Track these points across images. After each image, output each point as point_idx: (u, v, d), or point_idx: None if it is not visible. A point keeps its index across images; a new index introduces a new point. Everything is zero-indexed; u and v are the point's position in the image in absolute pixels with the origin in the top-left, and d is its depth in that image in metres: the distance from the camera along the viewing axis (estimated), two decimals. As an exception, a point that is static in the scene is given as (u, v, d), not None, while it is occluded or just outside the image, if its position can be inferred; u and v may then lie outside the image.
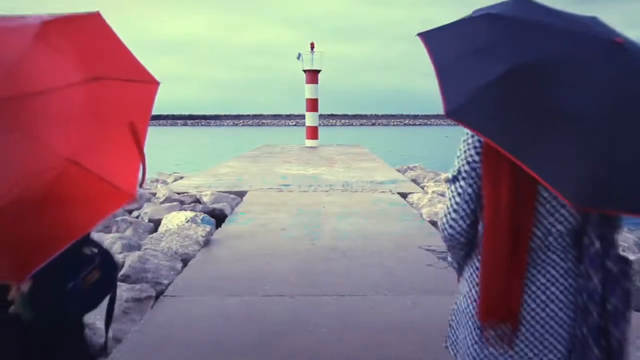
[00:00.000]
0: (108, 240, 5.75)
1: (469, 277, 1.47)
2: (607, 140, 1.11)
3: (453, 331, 1.60)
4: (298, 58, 25.05)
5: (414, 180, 11.98)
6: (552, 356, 1.38)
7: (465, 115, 1.17)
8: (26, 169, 1.10)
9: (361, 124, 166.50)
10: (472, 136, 1.37)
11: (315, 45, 24.99)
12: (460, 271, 1.56)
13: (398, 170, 14.31)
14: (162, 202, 8.09)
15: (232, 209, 8.03)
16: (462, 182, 1.38)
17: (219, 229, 6.59)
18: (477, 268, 1.43)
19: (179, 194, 8.79)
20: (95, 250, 1.47)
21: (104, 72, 1.28)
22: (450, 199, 1.42)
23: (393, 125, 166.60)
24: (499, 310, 1.35)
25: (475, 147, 1.35)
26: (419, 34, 1.33)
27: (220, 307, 3.90)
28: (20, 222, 1.08)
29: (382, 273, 4.69)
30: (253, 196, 9.19)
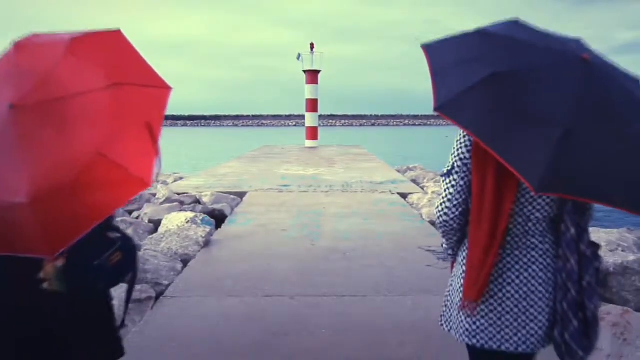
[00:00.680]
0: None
1: (462, 261, 1.69)
2: (567, 138, 1.31)
3: (447, 309, 1.78)
4: (298, 58, 25.07)
5: (414, 181, 11.99)
6: (533, 325, 1.58)
7: (450, 111, 1.39)
8: (60, 160, 1.33)
9: (361, 125, 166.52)
10: (464, 136, 1.60)
11: (315, 46, 25.01)
12: (454, 257, 1.78)
13: (398, 171, 14.33)
14: (162, 203, 8.09)
15: (232, 210, 8.03)
16: (455, 176, 1.61)
17: (219, 229, 6.59)
18: (467, 254, 1.63)
19: (178, 194, 8.80)
20: (118, 235, 1.68)
21: (124, 79, 1.52)
22: (444, 190, 1.65)
23: (393, 125, 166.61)
24: (478, 284, 1.56)
25: (466, 146, 1.58)
26: (422, 46, 1.55)
27: (220, 307, 3.90)
28: (55, 205, 1.30)
29: (382, 273, 4.69)
30: (253, 197, 9.19)
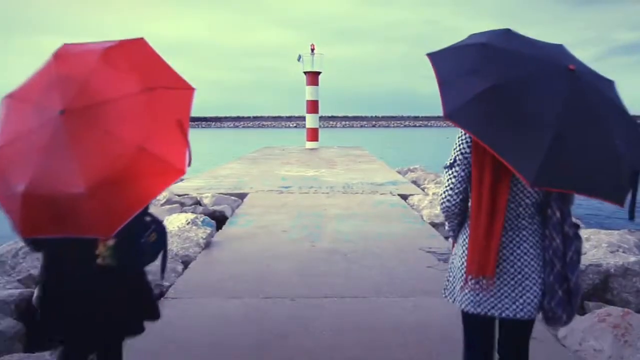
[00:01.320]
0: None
1: (462, 242, 1.95)
2: (557, 140, 1.54)
3: (450, 284, 2.04)
4: (298, 60, 25.07)
5: (415, 182, 11.98)
6: (529, 295, 1.84)
7: (458, 118, 1.63)
8: (108, 155, 1.60)
9: (361, 126, 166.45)
10: (464, 133, 1.84)
11: (315, 47, 25.01)
12: (455, 238, 2.04)
13: (398, 172, 14.32)
14: (162, 204, 8.09)
15: (233, 211, 8.03)
16: (456, 168, 1.88)
17: (220, 230, 6.59)
18: (468, 235, 1.88)
19: (179, 196, 8.80)
20: (152, 219, 2.05)
21: (155, 83, 1.76)
22: (447, 180, 1.91)
23: (393, 127, 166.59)
24: (482, 264, 1.80)
25: (467, 142, 1.84)
26: (428, 55, 1.78)
27: (221, 309, 3.90)
28: (108, 194, 1.57)
29: (383, 275, 4.69)
30: (253, 198, 9.19)
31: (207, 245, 5.74)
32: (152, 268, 2.12)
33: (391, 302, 4.02)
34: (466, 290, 1.90)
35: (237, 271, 4.81)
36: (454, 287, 1.99)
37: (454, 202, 1.91)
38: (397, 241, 5.97)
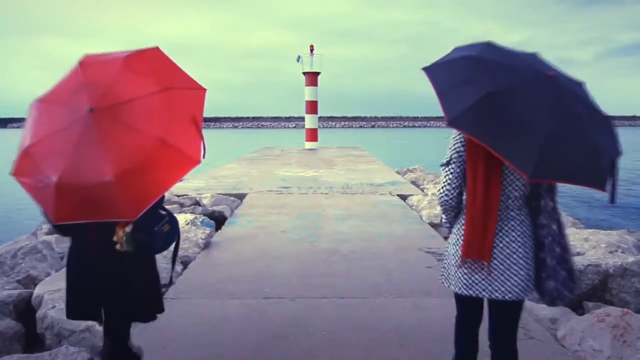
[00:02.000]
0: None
1: (457, 231, 2.17)
2: (548, 137, 1.78)
3: (445, 270, 2.25)
4: (298, 60, 25.07)
5: (414, 182, 11.99)
6: (517, 279, 2.04)
7: (460, 124, 1.86)
8: (132, 148, 1.81)
9: (361, 126, 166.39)
10: (459, 134, 2.07)
11: (314, 48, 25.02)
12: (450, 229, 2.25)
13: (398, 172, 14.33)
14: (162, 205, 8.08)
15: (232, 212, 8.03)
16: (452, 165, 2.11)
17: (219, 231, 6.59)
18: (462, 225, 2.11)
19: (178, 196, 8.80)
20: (166, 212, 2.27)
21: (171, 84, 1.99)
22: (444, 177, 2.14)
23: (393, 127, 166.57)
24: (477, 249, 2.03)
25: (461, 142, 2.07)
26: (423, 69, 1.98)
27: (220, 309, 3.90)
28: (134, 181, 1.77)
29: (382, 275, 4.69)
30: (253, 198, 9.20)
31: (207, 245, 5.74)
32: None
33: (390, 302, 4.02)
34: (459, 274, 2.12)
35: (236, 271, 4.81)
36: (449, 273, 2.22)
37: (451, 196, 2.13)
38: (396, 241, 5.98)
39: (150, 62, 2.03)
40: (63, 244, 6.08)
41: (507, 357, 2.19)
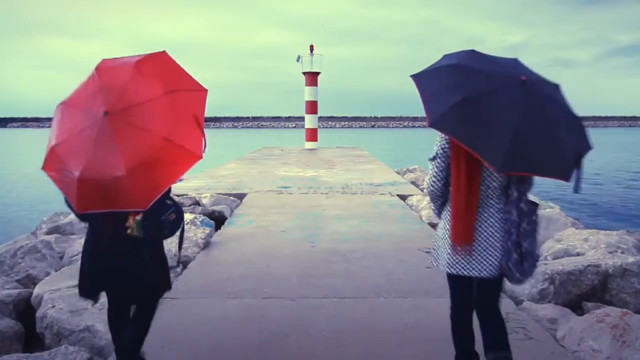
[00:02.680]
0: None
1: (444, 217, 2.48)
2: (516, 135, 2.04)
3: (435, 252, 2.55)
4: (297, 60, 25.07)
5: (414, 183, 11.99)
6: (493, 259, 2.33)
7: (440, 125, 2.13)
8: (141, 146, 2.07)
9: (360, 126, 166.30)
10: None
11: (314, 48, 25.02)
12: (439, 215, 2.57)
13: (397, 173, 14.33)
14: (161, 204, 8.07)
15: (232, 211, 8.03)
16: (438, 160, 2.40)
17: (219, 231, 6.59)
18: (448, 212, 2.41)
19: (178, 196, 8.79)
20: (172, 202, 2.53)
21: (176, 87, 2.23)
22: (431, 170, 2.44)
23: (392, 127, 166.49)
24: (462, 233, 2.32)
25: (446, 139, 2.34)
26: (412, 76, 2.26)
27: (220, 309, 3.90)
28: (143, 175, 2.04)
29: (382, 275, 4.69)
30: (253, 198, 9.20)
31: (206, 245, 5.74)
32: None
33: (390, 302, 4.02)
34: (446, 255, 2.43)
35: (236, 271, 4.81)
36: (438, 254, 2.52)
37: (437, 187, 2.44)
38: (396, 241, 5.98)
39: (158, 66, 2.28)
40: (62, 243, 6.08)
41: (493, 322, 2.51)
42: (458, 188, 2.29)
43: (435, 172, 2.42)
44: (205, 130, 2.31)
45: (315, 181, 11.70)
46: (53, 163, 2.15)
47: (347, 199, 9.21)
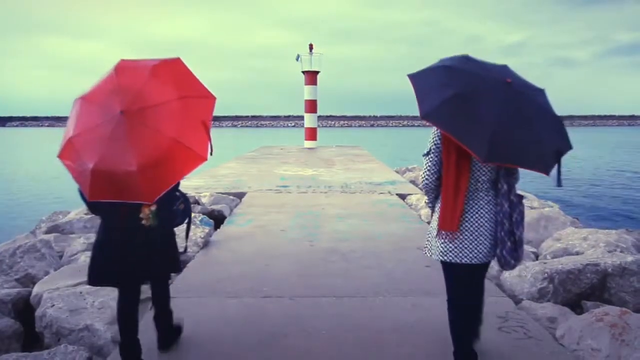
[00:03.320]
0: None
1: (438, 210, 2.65)
2: (500, 129, 2.27)
3: (429, 242, 2.74)
4: (297, 59, 25.02)
5: (413, 182, 11.98)
6: (482, 247, 2.56)
7: (431, 117, 2.34)
8: (153, 145, 2.26)
9: (360, 125, 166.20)
10: (437, 130, 2.52)
11: (314, 47, 24.99)
12: (433, 208, 2.76)
13: (397, 172, 14.33)
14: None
15: (231, 210, 8.02)
16: (432, 155, 2.59)
17: (218, 230, 6.59)
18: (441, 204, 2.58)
19: (177, 195, 8.77)
20: (180, 194, 2.90)
21: (187, 93, 2.43)
22: (425, 164, 2.63)
23: (392, 126, 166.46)
24: (449, 222, 2.53)
25: (438, 135, 2.55)
26: (408, 75, 2.48)
27: (219, 308, 3.90)
28: (152, 171, 2.24)
29: (382, 274, 4.69)
30: (252, 197, 9.19)
31: (206, 244, 5.74)
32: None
33: (390, 302, 4.02)
34: (437, 244, 2.63)
35: (235, 271, 4.81)
36: (431, 245, 2.71)
37: (430, 180, 2.64)
38: (395, 241, 5.98)
39: (173, 72, 2.47)
40: (62, 242, 6.07)
41: (477, 300, 2.88)
42: (448, 179, 2.50)
43: (429, 166, 2.61)
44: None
45: (314, 180, 11.70)
46: (69, 153, 2.31)
47: (347, 198, 9.21)
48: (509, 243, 2.53)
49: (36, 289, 4.20)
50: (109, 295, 3.87)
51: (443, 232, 2.56)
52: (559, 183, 2.45)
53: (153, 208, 2.60)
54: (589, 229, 6.19)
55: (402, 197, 9.26)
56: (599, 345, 3.10)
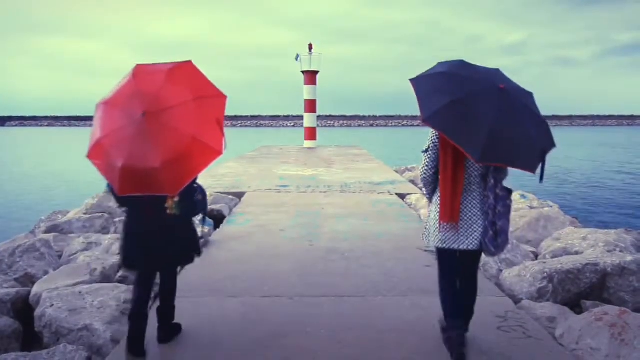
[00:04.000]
0: (107, 240, 5.74)
1: (435, 202, 2.97)
2: (492, 133, 2.49)
3: (427, 232, 3.06)
4: (296, 59, 25.00)
5: (412, 181, 11.98)
6: (476, 234, 2.85)
7: (431, 122, 2.61)
8: (173, 143, 2.50)
9: (359, 125, 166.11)
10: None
11: (313, 47, 24.97)
12: (430, 200, 3.06)
13: (396, 171, 14.33)
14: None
15: (231, 210, 8.02)
16: (430, 152, 2.91)
17: (218, 230, 6.59)
18: (438, 197, 2.90)
19: (177, 195, 8.77)
20: (198, 186, 3.20)
21: (202, 93, 2.67)
22: (424, 160, 2.96)
23: (391, 126, 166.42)
24: (449, 214, 2.81)
25: (436, 135, 2.84)
26: (410, 80, 2.73)
27: (219, 308, 3.90)
28: (174, 166, 2.48)
29: (381, 274, 4.69)
30: (251, 197, 9.19)
31: (205, 244, 5.73)
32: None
33: (389, 301, 4.02)
34: (436, 233, 2.92)
35: (235, 270, 4.81)
36: (429, 233, 3.00)
37: (429, 175, 2.95)
38: (395, 240, 5.98)
39: (186, 74, 2.70)
40: (61, 242, 6.07)
41: (471, 287, 3.13)
42: (445, 176, 2.79)
43: (427, 162, 2.94)
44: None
45: (314, 180, 11.69)
46: (98, 153, 2.55)
47: (346, 197, 9.21)
48: (490, 232, 2.81)
49: (35, 289, 4.19)
50: (108, 295, 3.88)
51: (444, 223, 2.85)
52: (541, 179, 2.66)
53: (176, 199, 2.85)
54: (588, 229, 6.20)
55: (402, 196, 9.26)
56: (599, 344, 3.10)
